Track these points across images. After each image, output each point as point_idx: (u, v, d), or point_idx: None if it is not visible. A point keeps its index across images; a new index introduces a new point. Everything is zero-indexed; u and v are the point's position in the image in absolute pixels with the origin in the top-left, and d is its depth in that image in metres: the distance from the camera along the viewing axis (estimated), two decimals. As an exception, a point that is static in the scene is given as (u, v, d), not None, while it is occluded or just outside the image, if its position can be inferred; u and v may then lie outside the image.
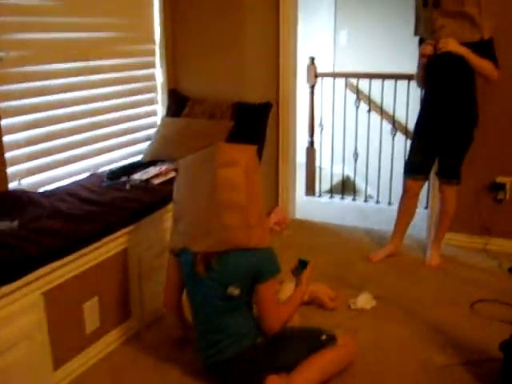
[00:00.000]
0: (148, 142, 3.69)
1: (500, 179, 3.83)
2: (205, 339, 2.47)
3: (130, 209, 2.84)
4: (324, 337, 2.50)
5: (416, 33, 3.44)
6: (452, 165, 3.53)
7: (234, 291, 2.34)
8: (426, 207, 4.42)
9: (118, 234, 2.75)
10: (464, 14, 3.17)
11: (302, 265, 2.67)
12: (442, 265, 3.68)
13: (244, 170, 2.32)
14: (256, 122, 3.64)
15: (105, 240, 2.66)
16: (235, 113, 3.63)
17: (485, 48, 3.25)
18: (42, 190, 3.04)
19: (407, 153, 3.76)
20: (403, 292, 3.36)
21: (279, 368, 2.38)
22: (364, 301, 3.21)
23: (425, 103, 3.59)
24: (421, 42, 3.44)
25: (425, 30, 3.33)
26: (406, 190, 3.72)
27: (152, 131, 3.77)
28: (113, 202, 2.88)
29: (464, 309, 3.15)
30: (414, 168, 3.65)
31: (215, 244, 2.33)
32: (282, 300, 2.63)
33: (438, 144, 3.52)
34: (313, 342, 2.49)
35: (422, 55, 3.37)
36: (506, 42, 3.43)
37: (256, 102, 3.72)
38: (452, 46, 3.20)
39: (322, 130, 5.29)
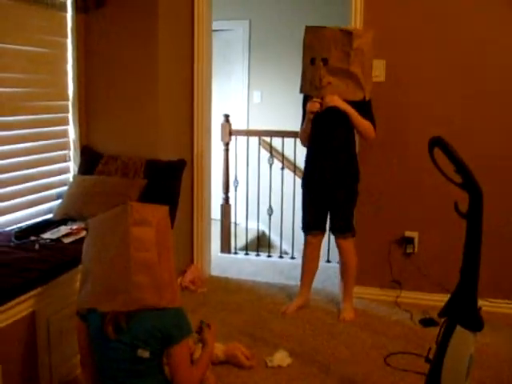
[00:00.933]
0: (59, 201, 3.59)
1: (408, 233, 3.97)
2: None
3: (38, 269, 2.73)
4: None
5: (301, 90, 3.57)
6: (343, 218, 3.66)
7: (144, 354, 2.26)
8: (328, 261, 4.73)
9: (25, 296, 2.62)
10: (349, 72, 3.35)
11: (205, 327, 2.65)
12: (355, 318, 3.74)
13: (156, 229, 2.29)
14: (169, 180, 3.63)
15: (10, 304, 2.53)
16: (148, 170, 3.61)
17: (365, 108, 3.45)
18: None
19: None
20: (318, 348, 3.38)
21: None
22: (280, 358, 3.19)
23: (308, 158, 3.72)
24: (305, 99, 3.61)
25: (310, 87, 3.46)
26: (306, 244, 3.85)
27: (64, 189, 3.68)
28: (20, 263, 2.77)
29: (378, 362, 3.20)
30: (310, 224, 3.78)
31: (123, 304, 2.26)
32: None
33: (324, 198, 3.66)
34: None
35: (309, 112, 3.50)
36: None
37: (170, 160, 3.72)
38: (338, 101, 3.38)
39: (236, 186, 5.35)
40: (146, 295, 2.26)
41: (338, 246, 3.74)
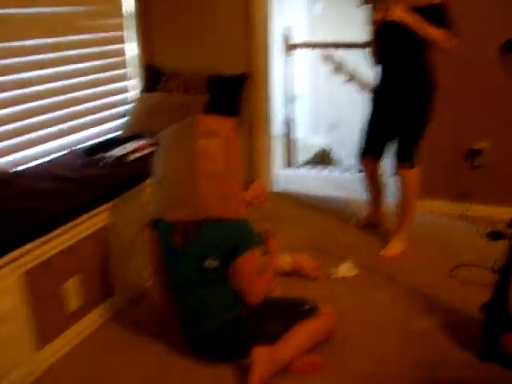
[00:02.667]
0: (126, 118, 3.63)
1: (477, 145, 3.84)
2: (185, 314, 2.47)
3: (106, 186, 2.81)
4: (306, 307, 2.50)
5: (364, 1, 3.32)
6: (404, 145, 3.33)
7: (211, 264, 2.33)
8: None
9: (96, 211, 2.71)
10: None
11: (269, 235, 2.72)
12: (398, 257, 3.43)
13: (223, 141, 2.32)
14: (231, 95, 3.61)
15: (82, 218, 2.63)
16: (210, 86, 3.59)
17: (439, 13, 3.05)
18: (17, 169, 2.99)
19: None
20: (384, 260, 3.39)
21: (262, 339, 2.38)
22: (345, 269, 3.23)
23: (379, 76, 3.42)
24: (368, 13, 3.28)
25: None
26: (361, 168, 3.71)
27: (128, 107, 3.71)
28: (89, 179, 2.85)
29: (444, 274, 3.19)
30: (365, 147, 3.58)
31: (191, 213, 2.32)
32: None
33: (388, 121, 3.39)
34: (295, 312, 2.48)
35: (373, 22, 3.19)
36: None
37: (231, 74, 3.68)
38: (399, 14, 3.03)
39: (298, 101, 5.26)
40: (211, 205, 2.30)
41: (396, 174, 3.43)
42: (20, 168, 3.01)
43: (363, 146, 3.58)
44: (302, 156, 5.45)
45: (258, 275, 2.45)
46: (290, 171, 5.32)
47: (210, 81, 3.62)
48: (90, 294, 2.76)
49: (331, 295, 3.00)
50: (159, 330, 2.74)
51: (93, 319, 2.78)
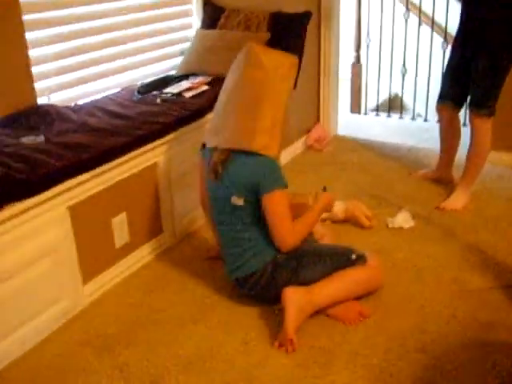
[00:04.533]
0: (182, 57, 3.56)
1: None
2: (227, 253, 2.45)
3: (159, 122, 2.77)
4: (353, 256, 2.41)
5: None
6: (480, 91, 3.10)
7: (238, 201, 2.30)
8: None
9: (147, 147, 2.68)
10: None
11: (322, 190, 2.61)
12: (461, 210, 3.25)
13: (268, 74, 2.25)
14: (294, 33, 3.45)
15: (132, 154, 2.61)
16: (272, 23, 3.44)
17: None
18: (73, 104, 2.99)
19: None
20: (443, 211, 3.23)
21: (303, 284, 2.32)
22: (402, 219, 3.10)
23: (460, 16, 3.20)
24: None
25: None
26: (438, 116, 3.49)
27: (187, 44, 3.63)
28: (142, 116, 2.81)
29: (507, 230, 3.01)
30: (442, 92, 3.36)
31: (219, 141, 2.31)
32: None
33: (466, 65, 3.14)
34: (341, 260, 2.40)
35: None
36: None
37: (294, 12, 3.52)
38: None
39: (368, 43, 5.03)
40: (238, 137, 2.27)
41: (470, 123, 3.24)
42: (76, 103, 3.00)
43: (441, 91, 3.38)
44: (371, 102, 5.24)
45: (291, 218, 2.32)
46: (357, 116, 5.16)
47: (271, 18, 3.47)
48: (138, 231, 2.77)
49: (385, 245, 2.91)
50: (206, 270, 2.74)
51: (140, 256, 2.81)
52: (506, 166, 3.76)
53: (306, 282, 2.32)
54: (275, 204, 2.26)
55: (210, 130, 2.44)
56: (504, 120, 3.45)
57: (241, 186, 2.27)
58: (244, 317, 2.41)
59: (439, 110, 3.42)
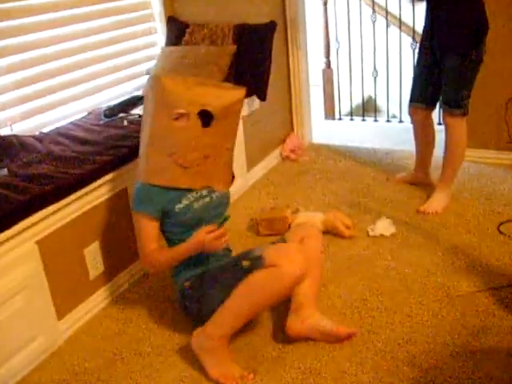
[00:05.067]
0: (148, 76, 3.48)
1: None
2: None
3: (126, 146, 2.69)
4: (245, 263, 2.16)
5: None
6: (451, 90, 3.06)
7: None
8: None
9: (116, 173, 2.61)
10: None
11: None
12: (441, 212, 3.20)
13: None
14: (260, 44, 3.39)
15: (100, 181, 2.53)
16: (237, 36, 3.38)
17: None
18: (36, 133, 2.89)
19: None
20: (424, 215, 3.18)
21: (211, 311, 2.16)
22: (383, 227, 3.05)
23: (426, 19, 3.15)
24: None
25: None
26: (411, 119, 3.42)
27: (152, 63, 3.56)
28: (109, 141, 2.73)
29: (490, 232, 2.96)
30: (413, 94, 3.31)
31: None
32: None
33: (434, 65, 3.11)
34: (235, 273, 2.16)
35: None
36: None
37: (259, 23, 3.47)
38: None
39: (338, 48, 4.99)
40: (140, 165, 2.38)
41: (444, 123, 3.19)
42: (41, 131, 2.91)
43: (412, 94, 3.33)
44: (344, 106, 5.21)
45: (144, 243, 2.27)
46: (330, 122, 5.12)
47: (237, 30, 3.41)
48: (113, 260, 2.69)
49: (366, 255, 2.85)
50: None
51: (117, 285, 2.73)
52: (485, 163, 3.72)
53: (213, 308, 2.16)
54: (135, 226, 2.31)
55: None
56: (478, 117, 3.42)
57: None
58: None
59: (411, 113, 3.37)
